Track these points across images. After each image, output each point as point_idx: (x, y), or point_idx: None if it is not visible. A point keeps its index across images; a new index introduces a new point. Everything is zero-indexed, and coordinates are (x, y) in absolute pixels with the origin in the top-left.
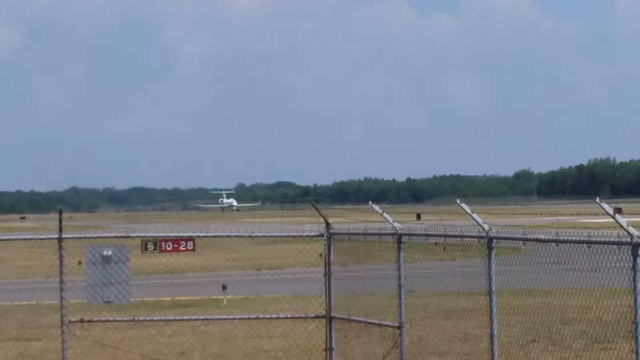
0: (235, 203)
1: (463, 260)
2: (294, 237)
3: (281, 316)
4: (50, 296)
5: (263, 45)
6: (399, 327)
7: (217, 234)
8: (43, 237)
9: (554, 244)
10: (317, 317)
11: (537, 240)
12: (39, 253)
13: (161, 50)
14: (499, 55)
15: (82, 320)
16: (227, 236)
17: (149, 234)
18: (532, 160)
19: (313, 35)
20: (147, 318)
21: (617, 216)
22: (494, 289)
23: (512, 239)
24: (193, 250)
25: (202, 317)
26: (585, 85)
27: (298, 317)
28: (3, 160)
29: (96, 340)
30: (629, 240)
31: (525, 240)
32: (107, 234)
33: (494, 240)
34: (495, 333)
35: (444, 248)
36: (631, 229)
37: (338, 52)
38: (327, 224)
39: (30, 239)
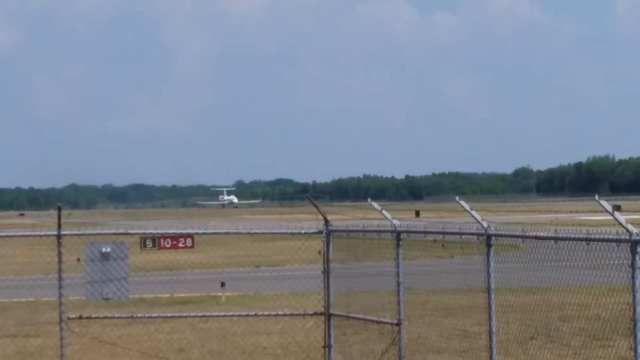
0: (236, 200)
1: (462, 258)
2: (293, 234)
3: (280, 313)
4: (48, 293)
5: (262, 43)
6: (398, 324)
7: (215, 231)
8: (42, 233)
9: (552, 242)
10: (315, 314)
11: (536, 237)
12: (37, 250)
13: (160, 48)
14: (498, 53)
15: (80, 317)
16: (226, 233)
17: (147, 231)
18: (531, 157)
19: (312, 33)
20: (146, 315)
21: (616, 214)
22: (492, 287)
23: (511, 236)
24: (192, 247)
25: (201, 314)
26: (585, 83)
27: (297, 314)
28: (2, 157)
29: (95, 337)
30: (627, 237)
31: (524, 237)
32: (106, 231)
33: (493, 238)
34: (494, 330)
35: (442, 245)
36: (630, 227)
37: (337, 50)
38: (326, 221)
39: (29, 236)
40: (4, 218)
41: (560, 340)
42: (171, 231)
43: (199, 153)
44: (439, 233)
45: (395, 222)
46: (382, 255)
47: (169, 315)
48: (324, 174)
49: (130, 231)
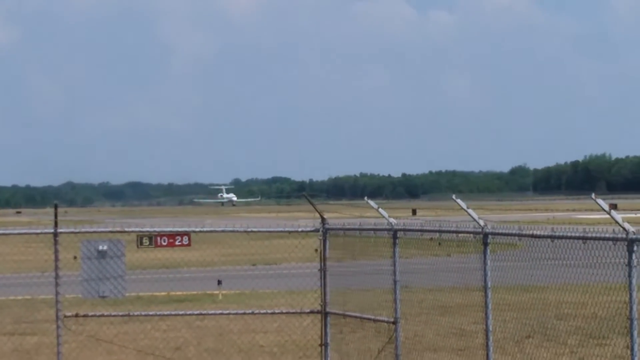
0: (235, 198)
1: (458, 256)
2: (290, 232)
3: (276, 311)
4: (45, 291)
5: (259, 41)
6: (394, 323)
7: (212, 229)
8: (38, 231)
9: (549, 240)
10: (312, 312)
11: (532, 236)
12: (34, 247)
13: (157, 46)
14: (495, 51)
15: (77, 315)
16: (223, 231)
17: (144, 229)
18: (528, 156)
19: (309, 31)
20: (143, 313)
21: (613, 212)
22: (489, 285)
23: (508, 234)
24: (188, 245)
25: (198, 312)
26: (582, 82)
27: (293, 313)
28: None
29: (91, 335)
30: (624, 236)
31: (520, 236)
32: (103, 229)
33: (490, 236)
34: (491, 329)
35: (439, 244)
36: (626, 225)
37: (334, 49)
38: (323, 219)
39: (26, 234)
40: (1, 216)
41: (556, 338)
42: (168, 229)
43: (196, 151)
44: (435, 231)
45: (392, 220)
46: (379, 253)
47: (165, 313)
48: (320, 172)
49: (126, 229)
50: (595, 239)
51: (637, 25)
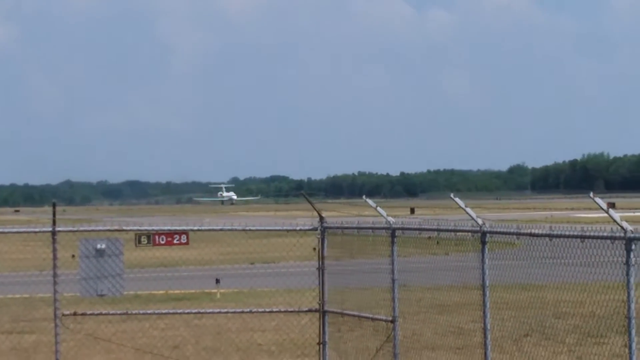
0: (235, 196)
1: (457, 255)
2: (288, 231)
3: (274, 310)
4: (43, 289)
5: (257, 41)
6: (392, 321)
7: (210, 227)
8: (37, 230)
9: (547, 239)
10: (310, 311)
11: (530, 234)
12: (32, 246)
13: (155, 45)
14: (494, 51)
15: (75, 314)
16: (221, 230)
17: (142, 228)
18: (526, 155)
19: (308, 30)
20: (141, 311)
21: (611, 211)
22: (487, 284)
23: (506, 233)
24: (187, 243)
25: (196, 310)
26: (580, 81)
27: (291, 311)
28: None
29: (89, 334)
30: (622, 235)
31: (518, 234)
32: (101, 227)
33: (488, 235)
34: (489, 327)
35: (437, 242)
36: (625, 224)
37: (333, 48)
38: (321, 218)
39: (24, 232)
40: None
41: (554, 337)
42: (166, 228)
43: (194, 150)
44: (433, 230)
45: (390, 219)
46: (377, 252)
47: (163, 311)
48: (319, 171)
49: (125, 228)
50: (593, 237)
51: (635, 25)
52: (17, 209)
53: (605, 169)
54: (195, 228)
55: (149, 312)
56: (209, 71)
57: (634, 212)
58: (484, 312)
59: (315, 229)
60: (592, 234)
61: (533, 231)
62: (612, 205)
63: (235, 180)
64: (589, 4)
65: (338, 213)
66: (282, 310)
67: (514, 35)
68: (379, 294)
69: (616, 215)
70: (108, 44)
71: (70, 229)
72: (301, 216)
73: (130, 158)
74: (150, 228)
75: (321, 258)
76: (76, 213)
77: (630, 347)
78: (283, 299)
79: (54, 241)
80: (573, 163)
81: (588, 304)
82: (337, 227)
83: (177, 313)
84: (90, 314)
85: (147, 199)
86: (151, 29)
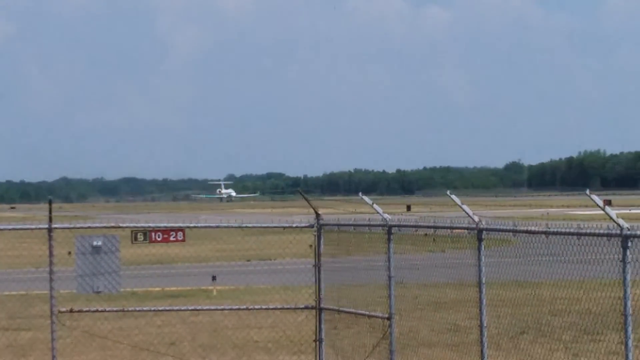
0: (233, 193)
1: (453, 252)
2: (284, 228)
3: (271, 307)
4: (39, 286)
5: (253, 37)
6: (389, 318)
7: (207, 224)
8: (33, 227)
9: (544, 236)
10: (306, 308)
11: (527, 232)
12: (28, 243)
13: (151, 42)
14: (490, 47)
15: (71, 311)
16: (217, 227)
17: (138, 225)
18: (523, 152)
19: (304, 27)
20: (137, 308)
21: (607, 208)
22: (483, 281)
23: (502, 230)
24: (183, 240)
25: (192, 307)
26: (576, 78)
27: (288, 308)
28: None
29: (86, 331)
30: (618, 232)
31: (515, 232)
32: (97, 224)
33: (484, 232)
34: (485, 324)
35: (433, 239)
36: (621, 221)
37: (328, 44)
38: (317, 215)
39: (20, 229)
40: None
41: (551, 334)
42: (162, 225)
43: (190, 147)
44: (430, 227)
45: (386, 216)
46: (373, 249)
47: (160, 308)
48: (315, 168)
49: (121, 224)
50: (589, 235)
51: (631, 21)
52: (12, 205)
53: (602, 166)
54: (192, 225)
55: (145, 309)
56: (205, 68)
57: (630, 210)
58: (481, 310)
59: (311, 226)
60: (588, 231)
61: (529, 228)
62: (608, 203)
63: (231, 177)
64: (585, 1)
65: (334, 210)
66: (279, 307)
67: (510, 33)
68: (376, 291)
69: (612, 212)
70: (105, 41)
71: (67, 226)
72: (297, 213)
73: (127, 155)
74: (146, 225)
75: (317, 255)
76: (72, 210)
77: (626, 344)
78: (279, 296)
79: (50, 238)
80: (569, 160)
81: (584, 301)
82: (334, 224)
83: (173, 310)
84: (87, 311)
85: (144, 196)
86: (148, 25)
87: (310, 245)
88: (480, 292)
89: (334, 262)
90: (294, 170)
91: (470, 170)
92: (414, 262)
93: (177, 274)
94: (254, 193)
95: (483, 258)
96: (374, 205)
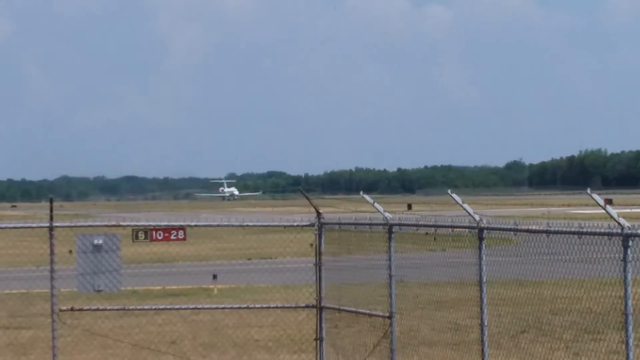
0: (236, 192)
1: (454, 251)
2: (285, 226)
3: (271, 306)
4: (40, 285)
5: (254, 36)
6: (390, 317)
7: (207, 223)
8: (34, 225)
9: (544, 235)
10: (307, 306)
11: (528, 231)
12: (29, 241)
13: (152, 40)
14: (491, 46)
15: (72, 309)
16: (218, 225)
17: (139, 223)
18: (523, 151)
19: (305, 25)
20: (138, 307)
21: (608, 207)
22: (484, 280)
23: (503, 229)
24: (184, 239)
25: (193, 306)
26: (577, 77)
27: (288, 307)
28: None
29: (86, 329)
30: (619, 231)
31: (516, 231)
32: (98, 223)
33: (485, 231)
34: (486, 323)
35: (434, 238)
36: (622, 220)
37: (329, 43)
38: (318, 214)
39: (21, 228)
40: None
41: (552, 333)
42: (163, 223)
43: (191, 145)
44: (431, 226)
45: (387, 215)
46: (374, 248)
47: (160, 307)
48: (316, 166)
49: (122, 223)
50: (590, 234)
51: (632, 20)
52: (14, 204)
53: (603, 165)
54: (193, 224)
55: (146, 307)
56: (206, 66)
57: (631, 209)
58: (481, 309)
59: (312, 225)
60: (589, 230)
61: (530, 227)
62: (609, 202)
63: (232, 176)
64: (586, 1)
65: (335, 209)
66: (279, 306)
67: (512, 31)
68: (376, 290)
69: (613, 211)
70: (105, 40)
71: (68, 224)
72: (298, 212)
73: (128, 153)
74: (147, 223)
75: (318, 254)
76: (73, 208)
77: (627, 344)
78: (280, 294)
79: (51, 236)
80: (570, 159)
81: (585, 301)
82: (335, 223)
83: (174, 309)
84: (88, 310)
85: (145, 195)
86: (149, 24)
87: (311, 244)
88: (481, 291)
89: (334, 261)
90: (295, 169)
91: (471, 169)
92: (415, 261)
93: (177, 272)
94: (256, 192)
95: (484, 257)
96: (375, 204)
